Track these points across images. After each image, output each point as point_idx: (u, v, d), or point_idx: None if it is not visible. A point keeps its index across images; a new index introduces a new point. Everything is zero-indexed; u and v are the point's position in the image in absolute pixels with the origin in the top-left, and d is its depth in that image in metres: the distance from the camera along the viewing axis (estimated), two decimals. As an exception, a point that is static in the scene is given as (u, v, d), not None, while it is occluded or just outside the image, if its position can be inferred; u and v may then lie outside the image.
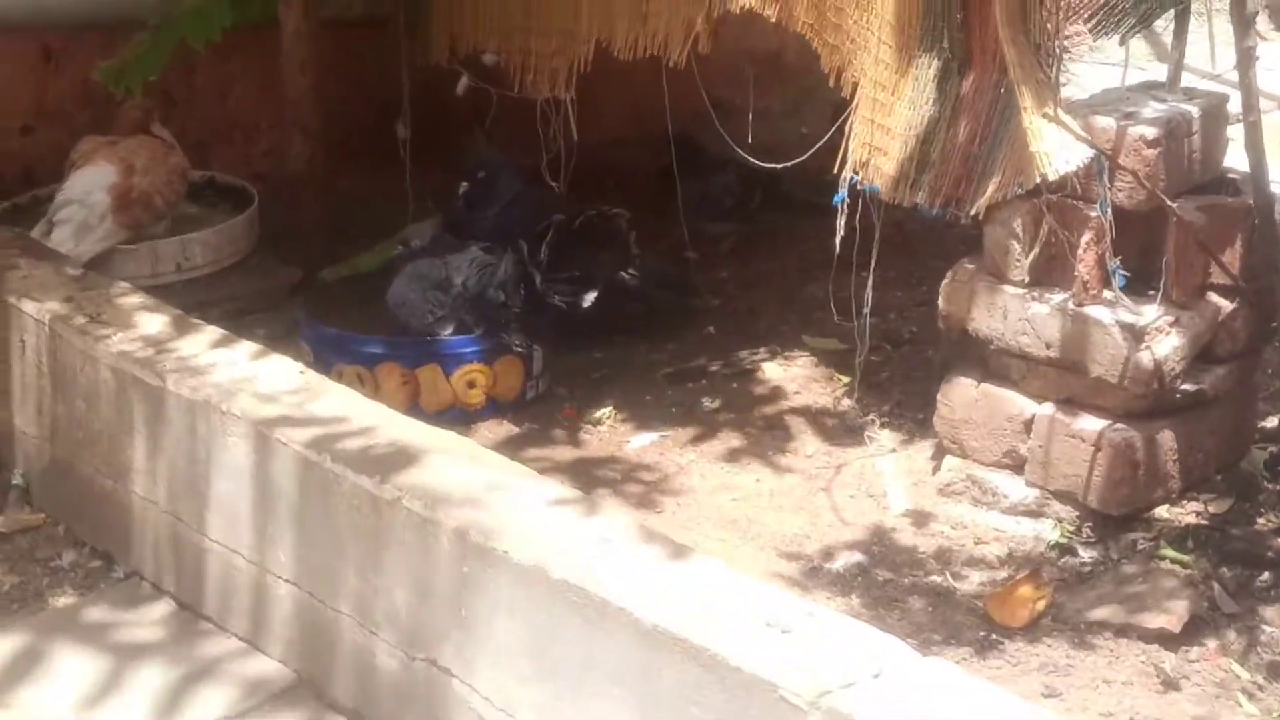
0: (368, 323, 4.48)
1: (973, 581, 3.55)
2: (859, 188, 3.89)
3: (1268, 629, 3.35)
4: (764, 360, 4.62)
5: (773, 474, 4.03)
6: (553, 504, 2.86)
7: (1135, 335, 3.56)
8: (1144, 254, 3.64)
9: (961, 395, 3.88)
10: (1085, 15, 3.92)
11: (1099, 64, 4.12)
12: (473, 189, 4.77)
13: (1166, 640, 3.30)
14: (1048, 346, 3.67)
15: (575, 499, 2.94)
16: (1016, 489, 3.79)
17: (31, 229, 4.46)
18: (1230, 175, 3.86)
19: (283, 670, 3.18)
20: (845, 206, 3.92)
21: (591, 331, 4.67)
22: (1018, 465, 3.79)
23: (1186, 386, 3.68)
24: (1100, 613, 3.39)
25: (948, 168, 3.72)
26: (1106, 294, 3.62)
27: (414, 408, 4.12)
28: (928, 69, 3.74)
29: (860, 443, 4.15)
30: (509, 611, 2.71)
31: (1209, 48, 5.21)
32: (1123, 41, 3.98)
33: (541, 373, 4.44)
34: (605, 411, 4.36)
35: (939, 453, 3.96)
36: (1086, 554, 3.62)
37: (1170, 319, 3.62)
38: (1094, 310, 3.61)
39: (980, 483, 3.83)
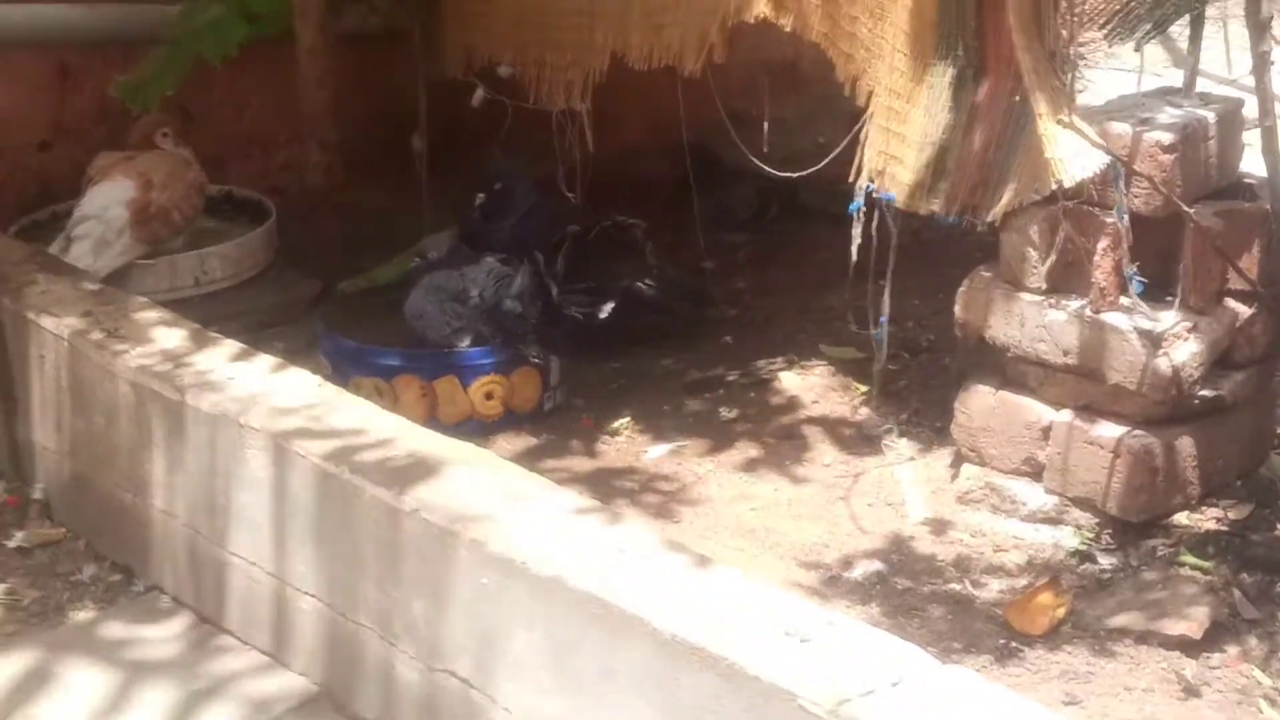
0: (386, 335, 4.48)
1: (992, 589, 3.54)
2: (875, 196, 3.89)
3: (1289, 635, 3.35)
4: (781, 370, 4.62)
5: (791, 483, 4.03)
6: (571, 515, 2.86)
7: (1153, 341, 3.55)
8: (1161, 260, 3.64)
9: (979, 403, 3.88)
10: (1100, 21, 3.91)
11: (1114, 70, 4.12)
12: (489, 200, 4.78)
13: (1187, 647, 3.30)
14: (1065, 353, 3.67)
15: (593, 509, 2.94)
16: (1035, 496, 3.78)
17: (50, 245, 4.48)
18: (1247, 180, 3.86)
19: (304, 683, 3.18)
20: (861, 215, 3.92)
21: (608, 342, 4.67)
22: (1036, 472, 3.79)
23: (1205, 392, 3.67)
24: (1120, 620, 3.38)
25: (964, 175, 3.72)
26: (1124, 300, 3.62)
27: (432, 419, 4.13)
28: (943, 77, 3.73)
29: (878, 451, 4.15)
30: (528, 623, 2.71)
31: (1225, 53, 5.20)
32: (1138, 47, 3.98)
33: (559, 384, 4.45)
34: (623, 422, 4.36)
35: (957, 461, 3.96)
36: (1106, 561, 3.61)
37: (1188, 325, 3.61)
38: (1111, 317, 3.61)
39: (999, 490, 3.82)
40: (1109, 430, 3.66)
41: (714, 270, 5.19)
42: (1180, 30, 4.13)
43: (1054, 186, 3.52)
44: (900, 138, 3.83)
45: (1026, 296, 3.73)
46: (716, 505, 3.93)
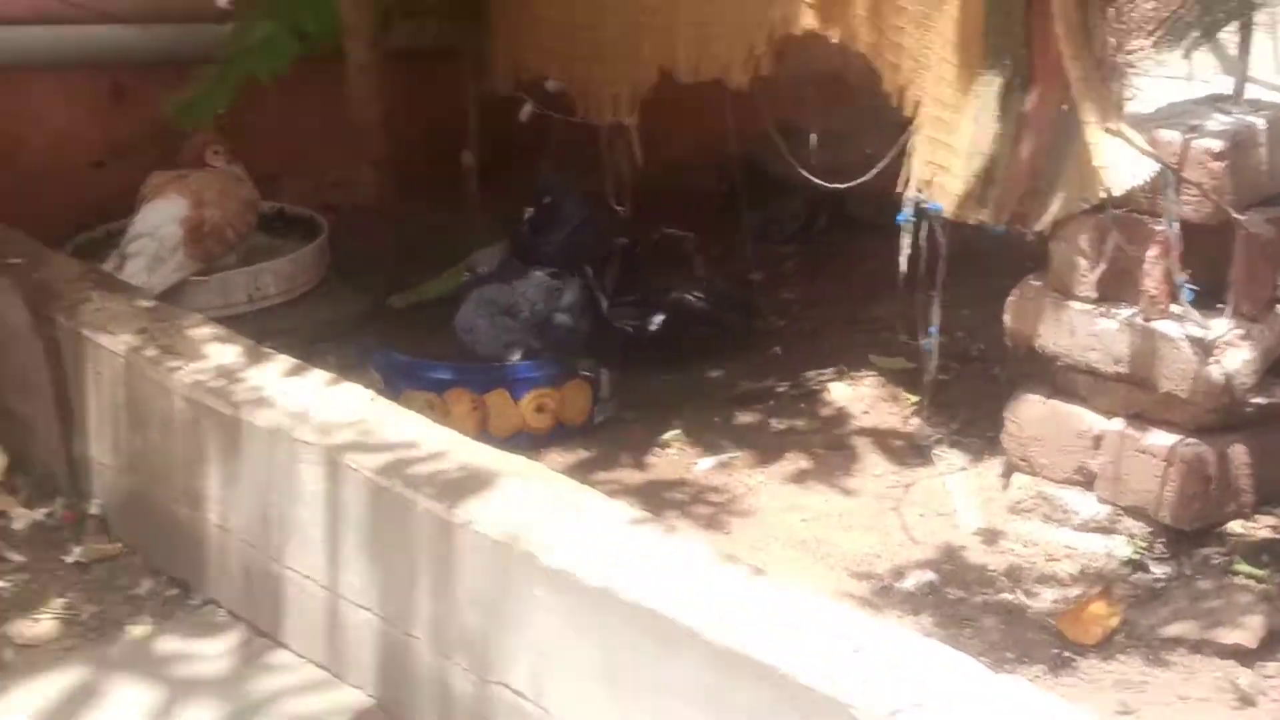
0: (437, 349, 4.51)
1: (1045, 599, 3.54)
2: (923, 206, 3.89)
3: (1345, 643, 3.32)
4: (831, 380, 4.62)
5: (841, 494, 4.03)
6: (622, 526, 2.87)
7: (1204, 349, 3.54)
8: (1212, 267, 3.62)
9: (1030, 412, 3.87)
10: (1148, 29, 3.90)
11: (1163, 78, 4.10)
12: (539, 215, 4.80)
13: (1242, 656, 3.28)
14: (1116, 362, 3.66)
15: (645, 521, 2.95)
16: (1087, 505, 3.77)
17: (104, 262, 4.53)
18: (1299, 187, 3.84)
19: (360, 697, 3.20)
20: (910, 225, 3.92)
21: (658, 354, 4.68)
22: (1088, 481, 3.78)
23: (1258, 400, 3.65)
24: (1174, 629, 3.37)
25: (1012, 185, 3.71)
26: (1174, 308, 3.60)
27: (483, 433, 4.14)
28: (990, 86, 3.73)
29: (929, 461, 4.14)
30: (580, 635, 2.72)
31: (1275, 59, 5.17)
32: (1187, 54, 3.96)
33: (609, 396, 4.46)
34: (673, 434, 4.37)
35: (1008, 470, 3.95)
36: (1159, 570, 3.60)
37: (1240, 332, 3.59)
38: (1162, 325, 3.60)
39: (1050, 500, 3.81)
40: (1161, 439, 3.64)
41: (762, 282, 5.20)
42: (1229, 36, 4.11)
43: (1103, 195, 3.51)
44: (948, 147, 3.83)
45: (1076, 305, 3.73)
46: (767, 516, 3.94)
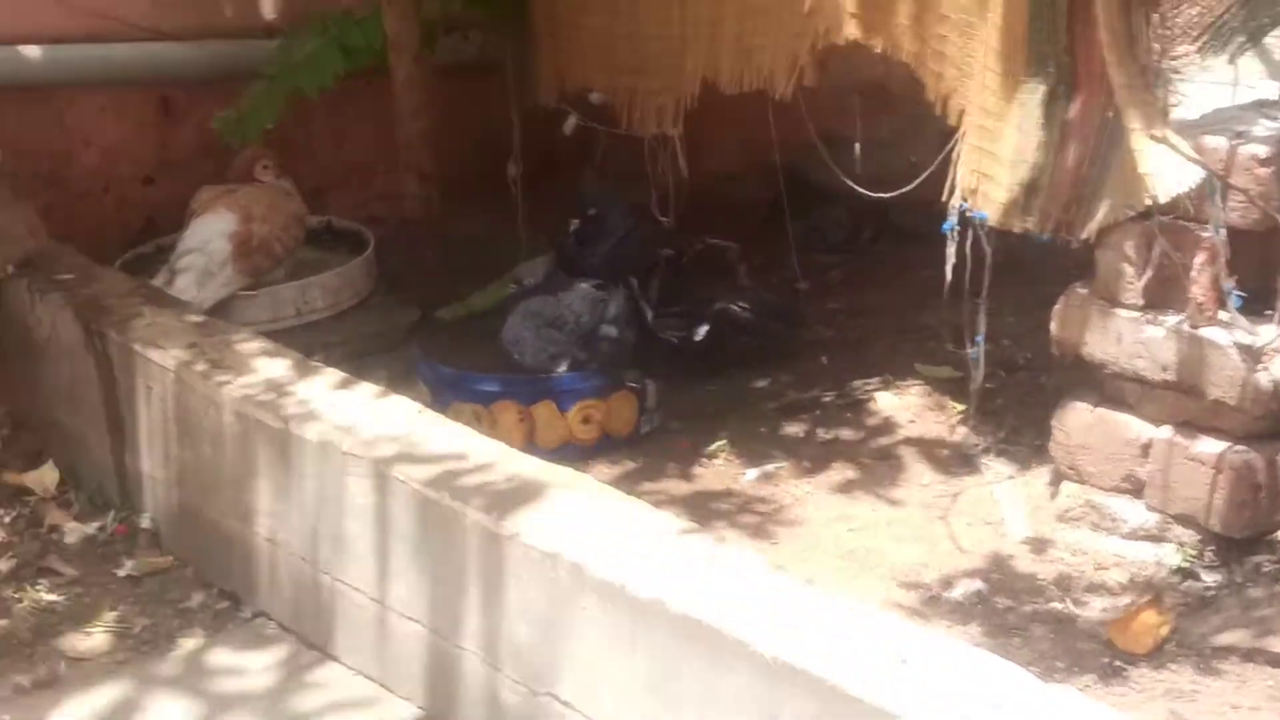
0: (483, 361, 4.53)
1: (1094, 608, 3.52)
2: (968, 215, 3.89)
3: (1398, 651, 3.30)
4: (877, 390, 4.61)
5: (889, 504, 4.03)
6: (670, 537, 2.88)
7: (1253, 356, 3.52)
8: (1259, 273, 3.60)
9: (1077, 420, 3.86)
10: (1193, 35, 3.89)
11: (1208, 84, 4.08)
12: (584, 226, 4.81)
13: (1294, 664, 3.27)
14: (1164, 369, 3.64)
15: (692, 532, 2.95)
16: (1136, 513, 3.75)
17: (154, 277, 4.57)
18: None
19: (410, 708, 3.22)
20: (955, 234, 3.91)
21: (704, 365, 4.68)
22: (1137, 489, 3.76)
23: (1308, 407, 3.63)
24: (1226, 637, 3.35)
25: (1057, 192, 3.70)
26: (1222, 315, 3.58)
27: (530, 444, 4.16)
28: (1034, 94, 3.72)
29: (976, 470, 4.13)
30: (629, 646, 2.73)
31: (1322, 63, 5.14)
32: (1232, 60, 3.94)
33: (655, 407, 4.47)
34: (719, 444, 4.37)
35: (1056, 479, 3.94)
36: (1209, 578, 3.58)
37: (1288, 339, 3.57)
38: (1210, 332, 3.58)
39: (1099, 508, 3.80)
40: (1210, 446, 3.62)
41: (807, 291, 5.19)
42: (1275, 41, 4.09)
43: (1148, 202, 3.50)
44: (992, 156, 3.83)
45: (1123, 313, 3.71)
46: (814, 526, 3.94)
